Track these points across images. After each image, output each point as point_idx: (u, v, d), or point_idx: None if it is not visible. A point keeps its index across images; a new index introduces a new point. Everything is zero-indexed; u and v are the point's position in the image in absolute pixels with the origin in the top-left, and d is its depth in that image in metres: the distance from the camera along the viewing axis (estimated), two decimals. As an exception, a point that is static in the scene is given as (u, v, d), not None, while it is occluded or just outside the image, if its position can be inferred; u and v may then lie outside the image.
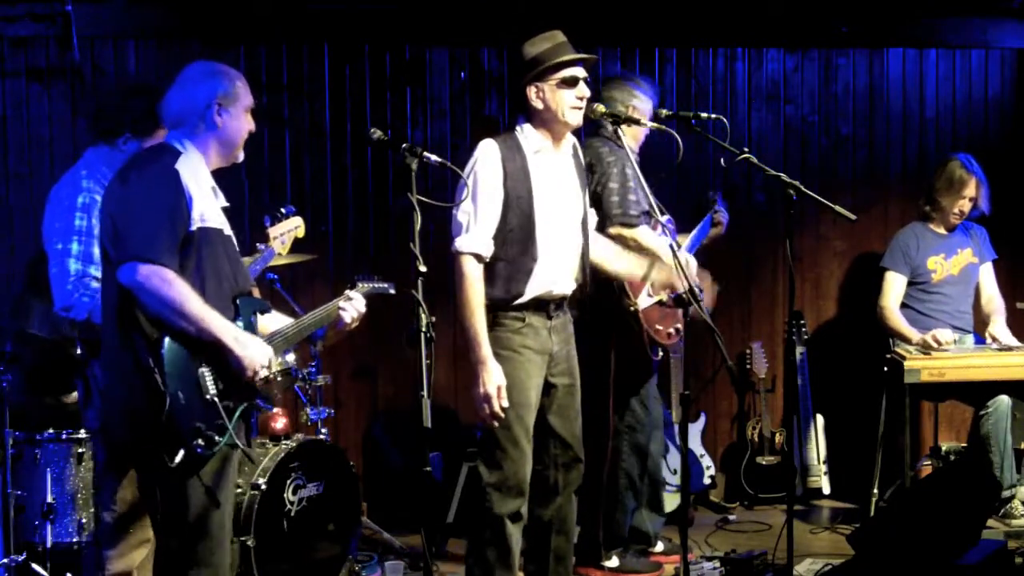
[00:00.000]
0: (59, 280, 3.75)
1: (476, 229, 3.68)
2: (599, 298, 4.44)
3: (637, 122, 3.74)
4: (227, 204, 3.29)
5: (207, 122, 3.20)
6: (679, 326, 4.65)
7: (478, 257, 3.68)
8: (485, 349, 3.64)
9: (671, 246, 3.67)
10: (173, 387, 2.96)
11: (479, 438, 3.85)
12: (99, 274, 3.74)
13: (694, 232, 5.05)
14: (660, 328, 4.54)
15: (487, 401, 3.62)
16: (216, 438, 3.03)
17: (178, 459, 2.98)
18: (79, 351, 3.83)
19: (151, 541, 3.79)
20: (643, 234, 4.48)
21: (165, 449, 2.97)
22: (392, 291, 3.93)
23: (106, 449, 3.76)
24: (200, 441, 3.00)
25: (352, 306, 3.51)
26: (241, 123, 3.26)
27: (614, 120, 3.75)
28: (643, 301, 4.46)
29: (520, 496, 3.78)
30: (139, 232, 3.00)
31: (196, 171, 3.16)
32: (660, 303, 4.50)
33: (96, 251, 3.74)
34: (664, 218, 4.66)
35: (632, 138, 4.64)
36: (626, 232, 4.45)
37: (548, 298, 3.81)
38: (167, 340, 2.97)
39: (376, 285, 3.83)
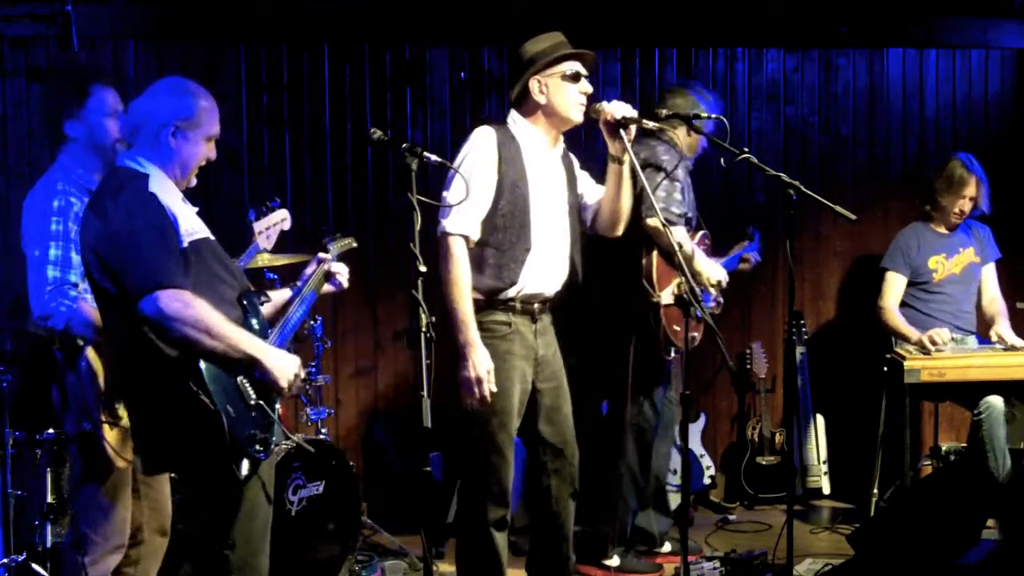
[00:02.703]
0: (36, 288, 3.63)
1: (465, 210, 3.64)
2: (622, 291, 4.48)
3: (639, 122, 3.73)
4: (197, 208, 3.23)
5: (161, 142, 3.11)
6: (696, 335, 4.67)
7: (466, 239, 3.66)
8: (473, 331, 3.60)
9: (676, 244, 3.66)
10: (221, 403, 2.94)
11: (459, 446, 3.81)
12: (76, 280, 3.62)
13: (723, 261, 4.98)
14: (678, 329, 4.53)
15: (477, 384, 3.58)
16: (270, 439, 3.05)
17: (245, 471, 3.00)
18: (57, 356, 3.77)
19: (124, 547, 3.79)
20: (680, 234, 4.50)
21: (230, 466, 2.98)
22: (355, 244, 3.90)
23: (85, 457, 3.74)
24: (258, 447, 3.02)
25: (342, 269, 3.52)
26: (197, 150, 3.16)
27: (620, 123, 3.72)
28: (666, 297, 4.46)
29: (504, 504, 3.76)
30: (143, 262, 2.94)
31: (167, 188, 3.10)
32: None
33: (73, 256, 3.62)
34: (699, 233, 4.71)
35: (687, 147, 4.72)
36: (663, 228, 4.47)
37: (534, 299, 3.80)
38: (202, 362, 2.94)
39: (343, 243, 3.80)
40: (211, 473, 3.05)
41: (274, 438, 3.08)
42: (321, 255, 3.55)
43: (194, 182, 3.23)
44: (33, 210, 3.72)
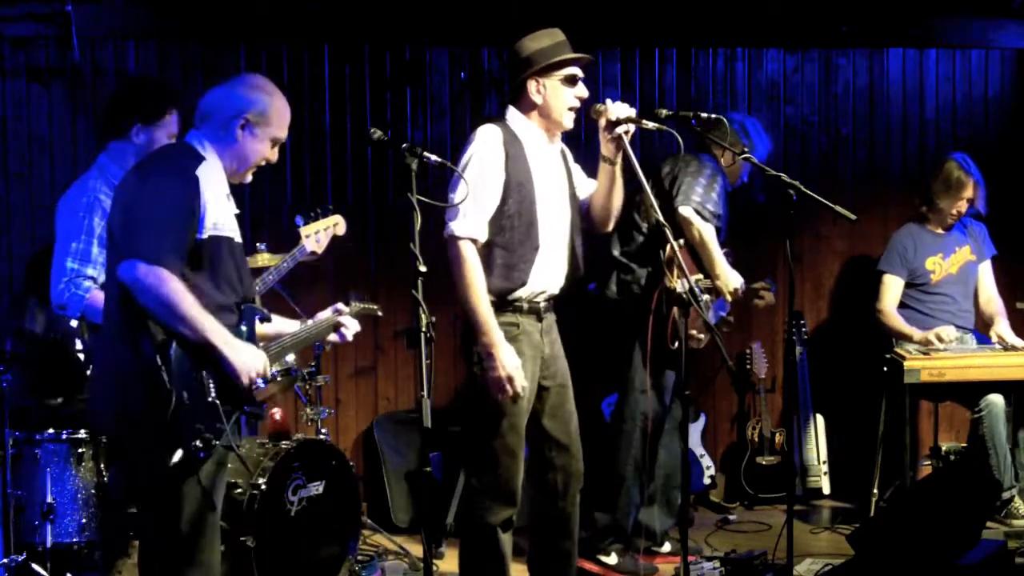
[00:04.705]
0: (55, 278, 3.78)
1: (474, 213, 3.64)
2: (647, 274, 4.63)
3: (638, 122, 3.73)
4: (238, 211, 3.26)
5: (229, 131, 3.15)
6: (702, 336, 4.69)
7: (475, 242, 3.66)
8: (496, 332, 3.60)
9: (671, 245, 3.67)
10: (178, 387, 2.95)
11: (469, 446, 3.82)
12: (94, 273, 3.77)
13: None
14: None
15: (510, 383, 3.59)
16: (213, 441, 3.02)
17: (175, 459, 2.97)
18: (81, 348, 3.84)
19: None
20: (709, 232, 4.60)
21: (164, 448, 2.97)
22: (379, 312, 3.97)
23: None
24: (198, 443, 2.99)
25: (352, 324, 3.53)
26: (261, 147, 3.20)
27: (619, 123, 3.72)
28: (680, 287, 4.50)
29: (512, 505, 3.76)
30: (146, 231, 2.98)
31: (215, 178, 3.13)
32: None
33: (94, 250, 3.77)
34: (723, 250, 4.75)
35: (730, 174, 4.89)
36: (696, 220, 4.58)
37: (540, 297, 3.81)
38: (175, 341, 2.96)
39: (366, 306, 3.84)
40: (142, 449, 3.04)
41: (217, 441, 3.04)
42: (340, 306, 3.55)
43: (249, 179, 3.26)
44: (65, 206, 3.90)
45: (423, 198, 3.19)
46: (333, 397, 5.65)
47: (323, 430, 4.82)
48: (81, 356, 4.35)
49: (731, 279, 4.67)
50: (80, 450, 4.25)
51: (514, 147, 3.72)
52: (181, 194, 3.03)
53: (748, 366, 5.93)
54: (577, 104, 3.78)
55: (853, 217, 3.73)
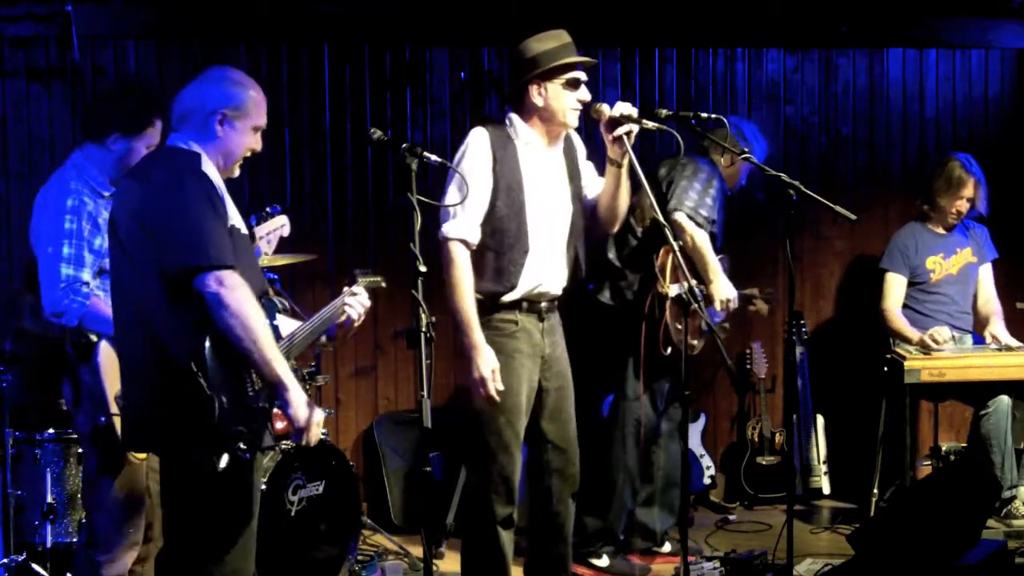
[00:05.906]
0: (50, 285, 3.64)
1: (464, 215, 3.66)
2: (640, 279, 4.64)
3: (639, 121, 3.72)
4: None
5: (209, 129, 3.10)
6: (695, 342, 4.68)
7: (465, 243, 3.67)
8: (477, 333, 3.63)
9: (672, 245, 3.67)
10: (217, 391, 2.90)
11: (466, 444, 3.82)
12: (88, 279, 3.64)
13: None
14: (679, 327, 4.55)
15: (483, 385, 3.61)
16: (256, 441, 3.01)
17: (223, 464, 2.94)
18: (69, 352, 3.76)
19: (139, 544, 3.78)
20: (702, 237, 4.59)
21: (209, 455, 2.92)
22: (383, 284, 3.93)
23: (100, 452, 3.72)
24: (243, 445, 2.96)
25: (357, 302, 3.43)
26: (243, 139, 3.15)
27: (620, 122, 3.72)
28: (673, 291, 4.50)
29: (511, 502, 3.77)
30: (197, 239, 2.91)
31: (216, 173, 3.11)
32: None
33: (86, 254, 3.65)
34: (719, 257, 4.76)
35: (728, 177, 4.89)
36: (688, 226, 4.57)
37: (540, 298, 3.80)
38: (207, 344, 2.91)
39: (372, 278, 3.82)
40: (190, 458, 3.01)
41: (262, 441, 3.03)
42: (346, 289, 3.49)
43: (237, 172, 3.22)
44: (46, 207, 3.74)
45: (423, 198, 3.18)
46: (333, 397, 5.65)
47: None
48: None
49: (723, 290, 4.64)
50: (80, 450, 4.26)
51: (505, 150, 3.73)
52: (204, 192, 2.99)
53: (748, 366, 5.93)
54: (579, 106, 3.78)
55: (853, 217, 3.72)
